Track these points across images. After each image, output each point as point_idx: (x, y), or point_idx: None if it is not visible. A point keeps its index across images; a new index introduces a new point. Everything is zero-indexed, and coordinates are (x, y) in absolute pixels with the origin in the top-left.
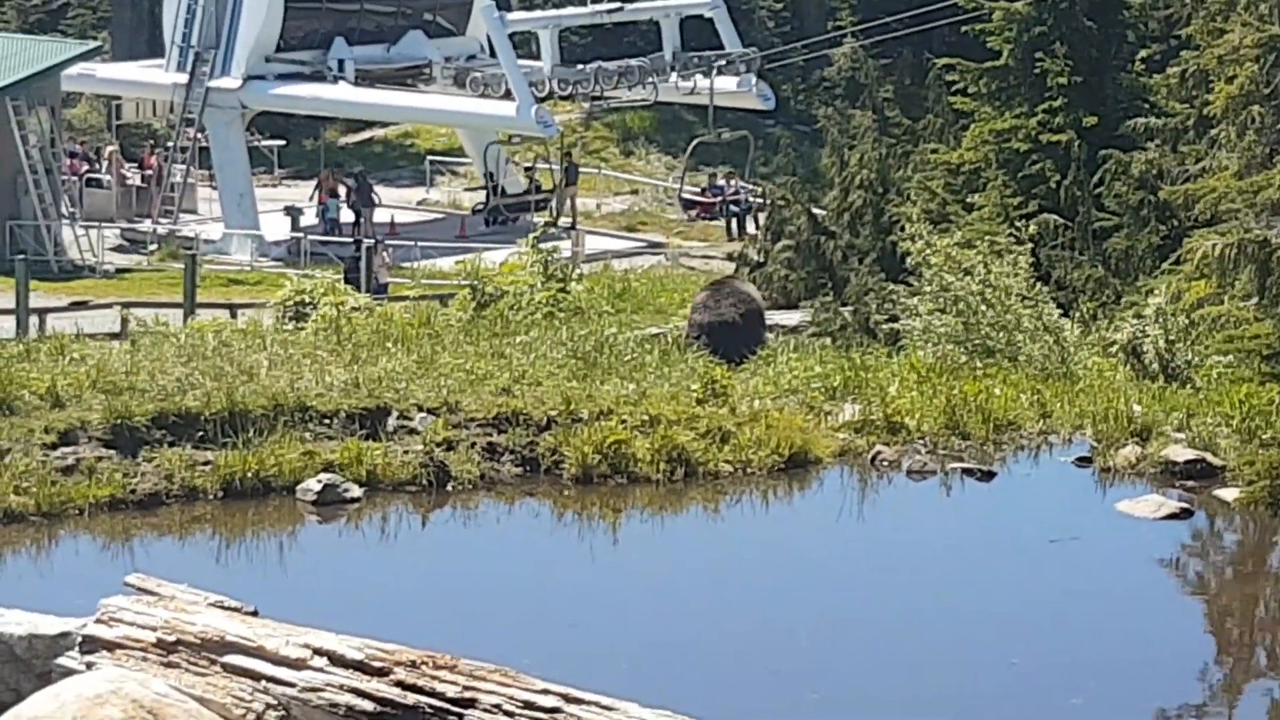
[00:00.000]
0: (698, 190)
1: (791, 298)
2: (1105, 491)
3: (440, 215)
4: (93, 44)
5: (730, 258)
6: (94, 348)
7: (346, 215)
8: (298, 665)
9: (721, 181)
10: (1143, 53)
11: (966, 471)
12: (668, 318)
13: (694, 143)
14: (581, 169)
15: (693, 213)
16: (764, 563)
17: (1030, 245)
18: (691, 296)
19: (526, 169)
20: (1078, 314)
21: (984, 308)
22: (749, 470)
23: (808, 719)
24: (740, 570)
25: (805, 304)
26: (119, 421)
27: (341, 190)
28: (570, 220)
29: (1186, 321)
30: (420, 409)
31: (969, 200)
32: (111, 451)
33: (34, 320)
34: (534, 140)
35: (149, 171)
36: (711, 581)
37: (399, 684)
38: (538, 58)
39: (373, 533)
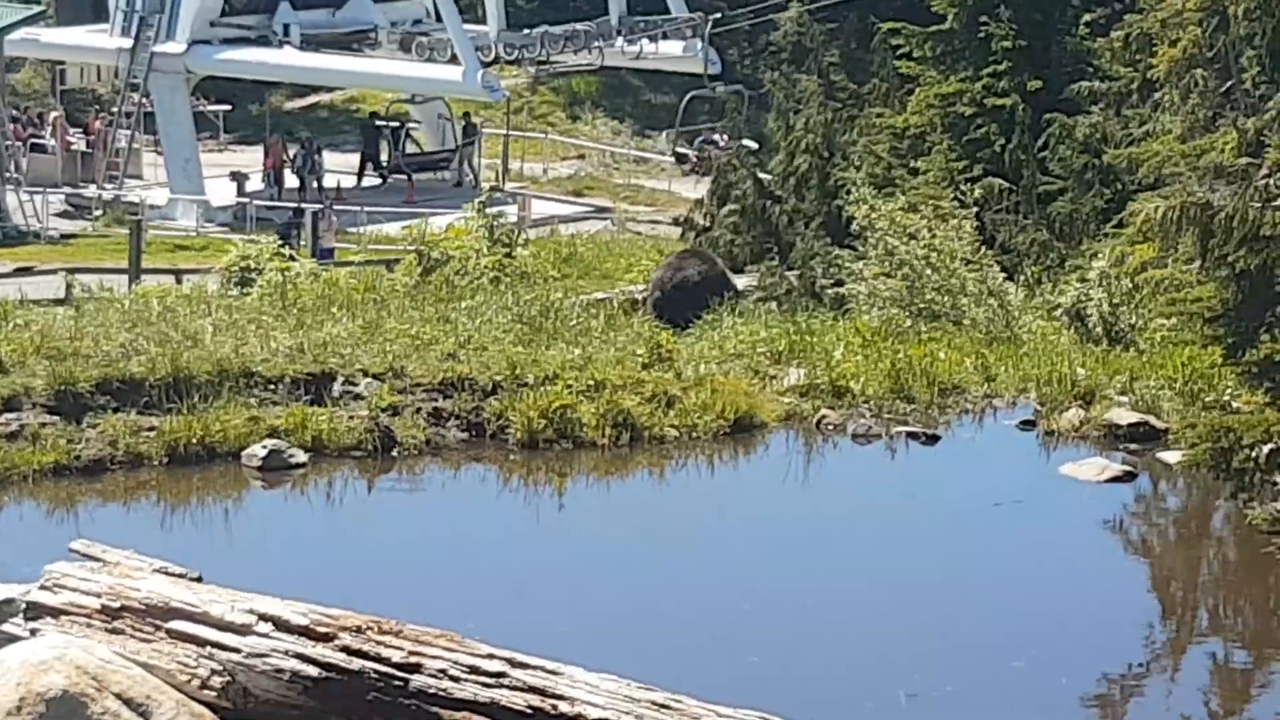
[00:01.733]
0: (689, 145)
1: (737, 262)
2: (1049, 455)
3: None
4: (36, 8)
5: (676, 222)
6: (38, 313)
7: (293, 181)
8: (242, 631)
9: (716, 136)
10: (1087, 16)
11: (911, 435)
12: (614, 283)
13: (687, 97)
14: (529, 133)
15: (687, 166)
16: (709, 528)
17: (975, 209)
18: (638, 262)
19: (388, 123)
20: (1022, 278)
21: (929, 272)
22: (694, 435)
23: (749, 684)
24: (685, 535)
25: (751, 269)
26: (63, 388)
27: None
28: (471, 180)
29: (1130, 285)
30: (365, 374)
31: (914, 165)
32: (56, 418)
33: None
34: (484, 103)
35: (94, 137)
36: (657, 547)
37: (344, 649)
38: (484, 23)
39: (318, 498)
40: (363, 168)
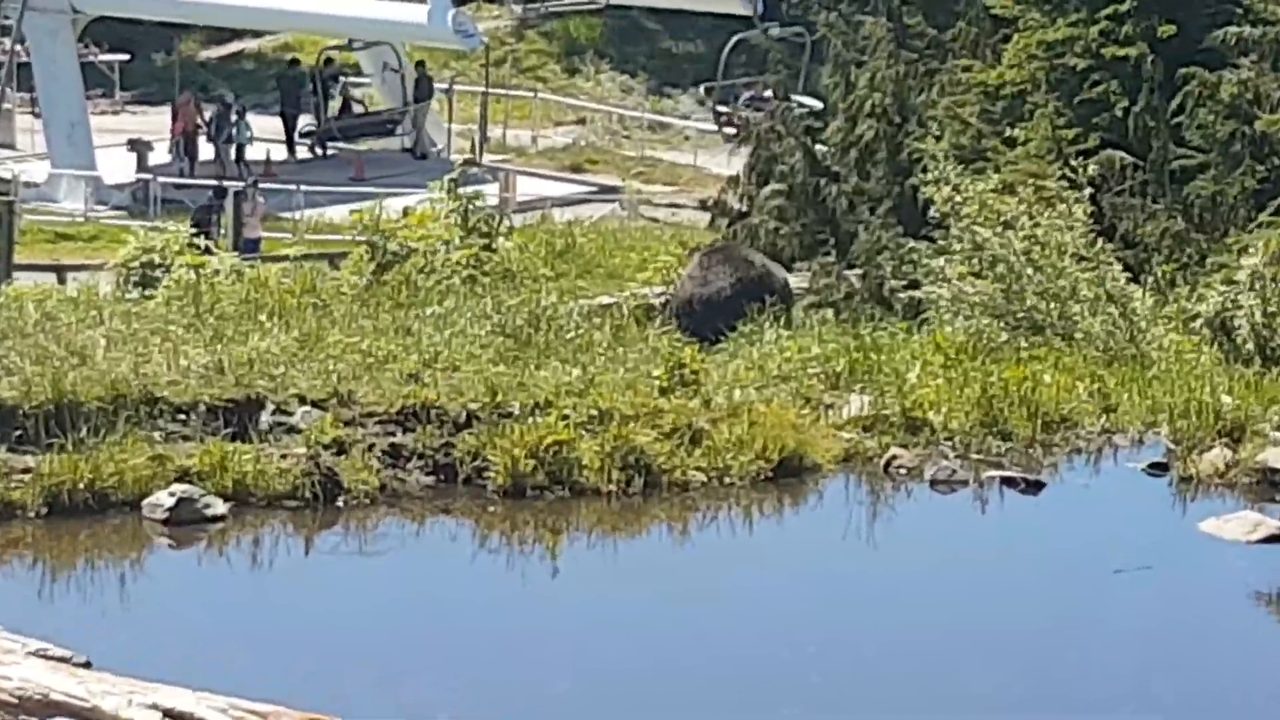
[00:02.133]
0: (727, 109)
1: (783, 258)
2: (1186, 507)
3: (330, 152)
4: None
5: (704, 206)
6: None
7: (209, 152)
8: None
9: (768, 92)
10: None
11: (1007, 482)
12: (623, 284)
13: (732, 40)
14: (514, 91)
15: (729, 131)
16: (746, 602)
17: (1090, 191)
18: (654, 257)
19: (315, 72)
20: (1151, 279)
21: (1030, 271)
22: (727, 480)
23: None
24: (715, 611)
25: (801, 266)
26: None
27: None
28: (424, 148)
29: None
30: (303, 401)
31: (1011, 133)
32: None
33: None
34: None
35: None
36: (677, 625)
37: None
38: None
39: (241, 561)
40: (290, 133)
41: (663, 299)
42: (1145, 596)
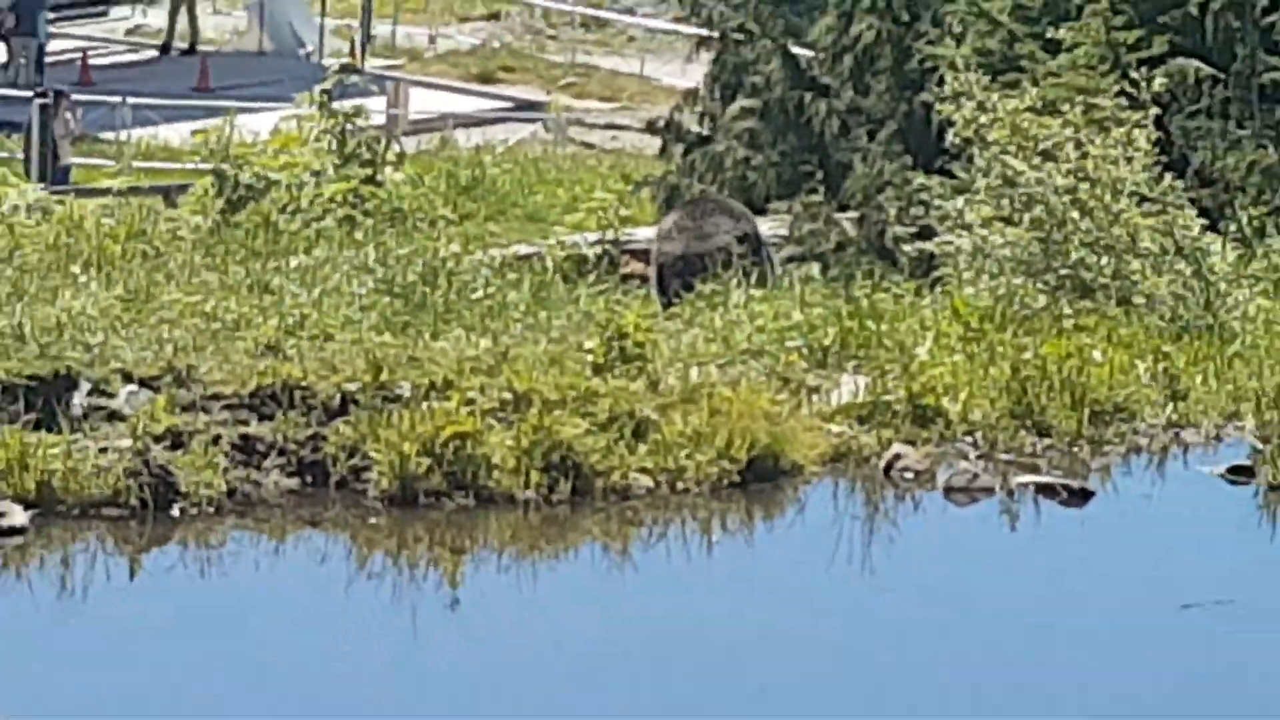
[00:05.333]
0: None
1: (755, 196)
2: (1276, 523)
3: (164, 54)
4: None
5: (652, 129)
6: None
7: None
8: None
9: None
10: None
11: (1044, 490)
12: (547, 228)
13: None
14: None
15: None
16: (702, 645)
17: (1155, 111)
18: (588, 194)
19: None
20: (1234, 227)
21: (1076, 215)
22: (680, 486)
23: None
24: (661, 656)
25: (779, 207)
26: None
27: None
28: (179, 45)
29: None
30: (128, 379)
31: (1053, 35)
32: None
33: None
34: None
35: None
36: (611, 673)
37: None
38: None
39: (46, 587)
40: None
41: (598, 243)
42: (1222, 639)
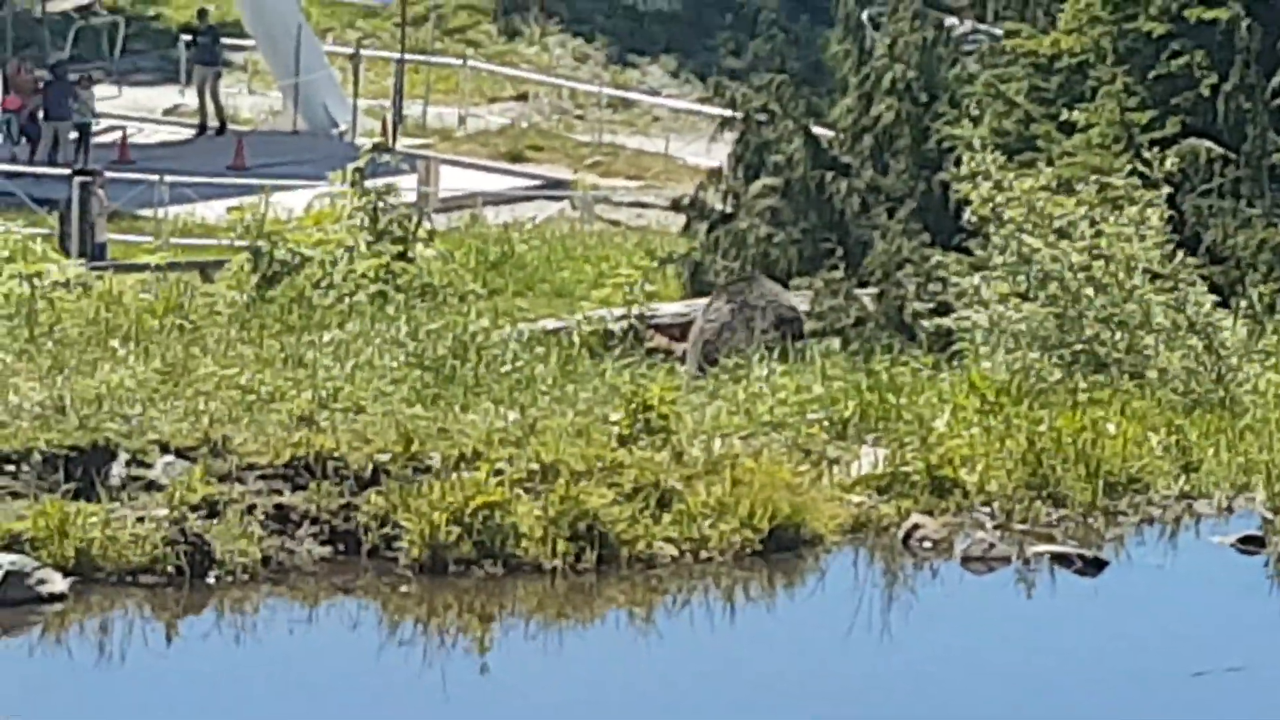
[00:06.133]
0: None
1: (776, 272)
2: None
3: (201, 133)
4: None
5: (677, 206)
6: None
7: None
8: None
9: None
10: None
11: (1060, 559)
12: (574, 304)
13: None
14: (438, 58)
15: None
16: (724, 711)
17: (1167, 190)
18: (614, 270)
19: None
20: (1244, 303)
21: (1090, 292)
22: (703, 555)
23: None
24: None
25: (800, 282)
26: None
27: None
28: (213, 125)
29: None
30: (165, 449)
31: (1068, 116)
32: None
33: None
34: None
35: None
36: None
37: None
38: None
39: (85, 652)
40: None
41: (624, 318)
42: (1234, 706)
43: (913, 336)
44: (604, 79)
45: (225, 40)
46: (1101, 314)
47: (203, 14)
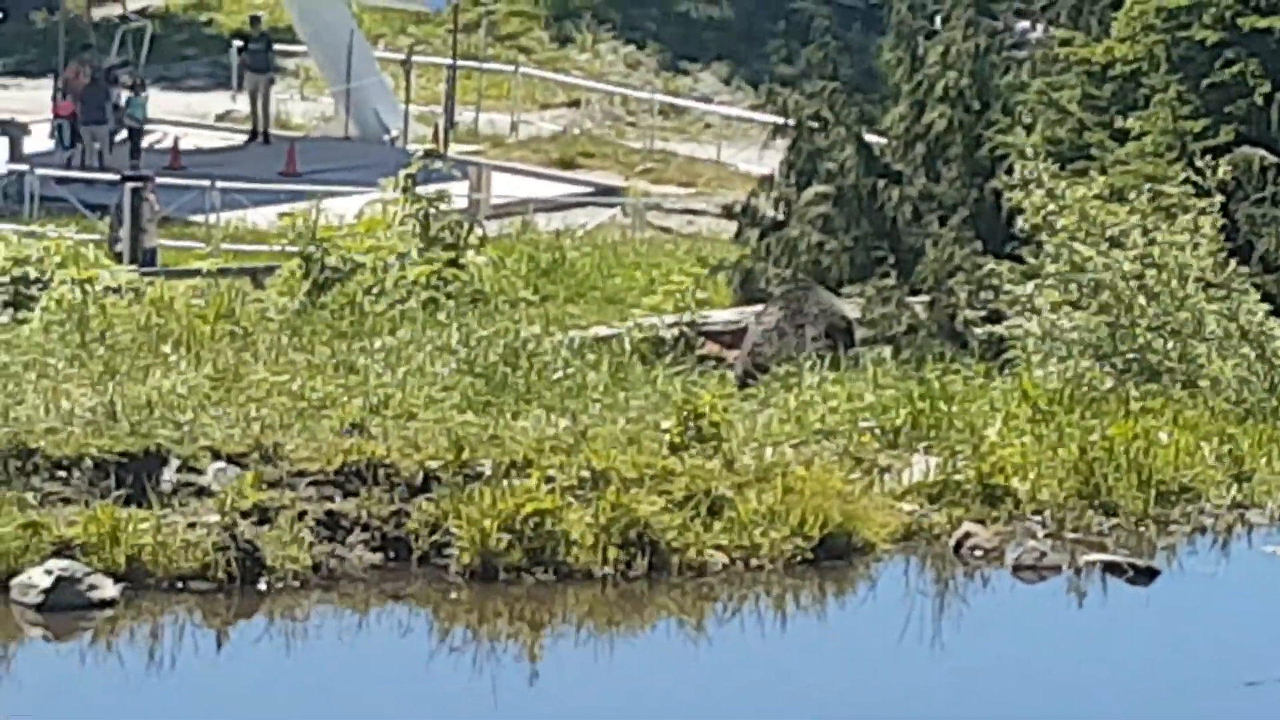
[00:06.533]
0: None
1: (828, 280)
2: None
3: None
4: None
5: (729, 213)
6: None
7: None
8: None
9: None
10: None
11: (1111, 568)
12: (625, 310)
13: None
14: (490, 64)
15: None
16: (773, 719)
17: (1220, 198)
18: (665, 277)
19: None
20: None
21: (1143, 300)
22: (754, 562)
23: None
24: None
25: (851, 290)
26: None
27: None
28: (260, 133)
29: None
30: (216, 456)
31: (1121, 124)
32: None
33: None
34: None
35: None
36: None
37: None
38: None
39: (135, 658)
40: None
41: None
42: None
43: (964, 344)
44: (656, 85)
45: (277, 46)
46: (1154, 322)
47: (255, 21)
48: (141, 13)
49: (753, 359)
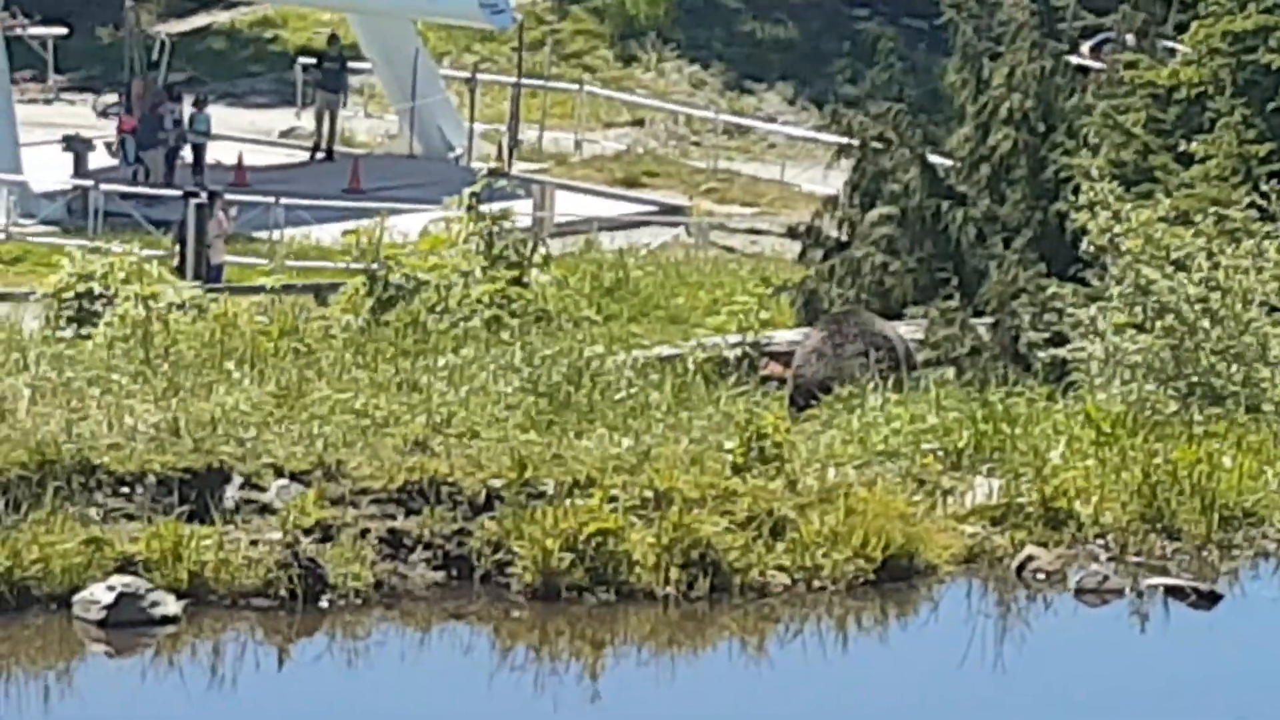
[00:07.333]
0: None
1: (891, 301)
2: None
3: (309, 154)
4: None
5: (793, 234)
6: None
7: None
8: None
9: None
10: None
11: (1174, 592)
12: (689, 330)
13: None
14: (555, 83)
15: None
16: None
17: None
18: (729, 297)
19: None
20: None
21: (1207, 324)
22: (816, 584)
23: None
24: None
25: (914, 311)
26: None
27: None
28: (325, 150)
29: None
30: (279, 473)
31: (1186, 148)
32: None
33: None
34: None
35: None
36: None
37: None
38: None
39: (197, 675)
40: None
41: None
42: None
43: (1028, 367)
44: (720, 105)
45: None
46: (1218, 346)
47: (333, 40)
48: (190, 32)
49: (795, 380)
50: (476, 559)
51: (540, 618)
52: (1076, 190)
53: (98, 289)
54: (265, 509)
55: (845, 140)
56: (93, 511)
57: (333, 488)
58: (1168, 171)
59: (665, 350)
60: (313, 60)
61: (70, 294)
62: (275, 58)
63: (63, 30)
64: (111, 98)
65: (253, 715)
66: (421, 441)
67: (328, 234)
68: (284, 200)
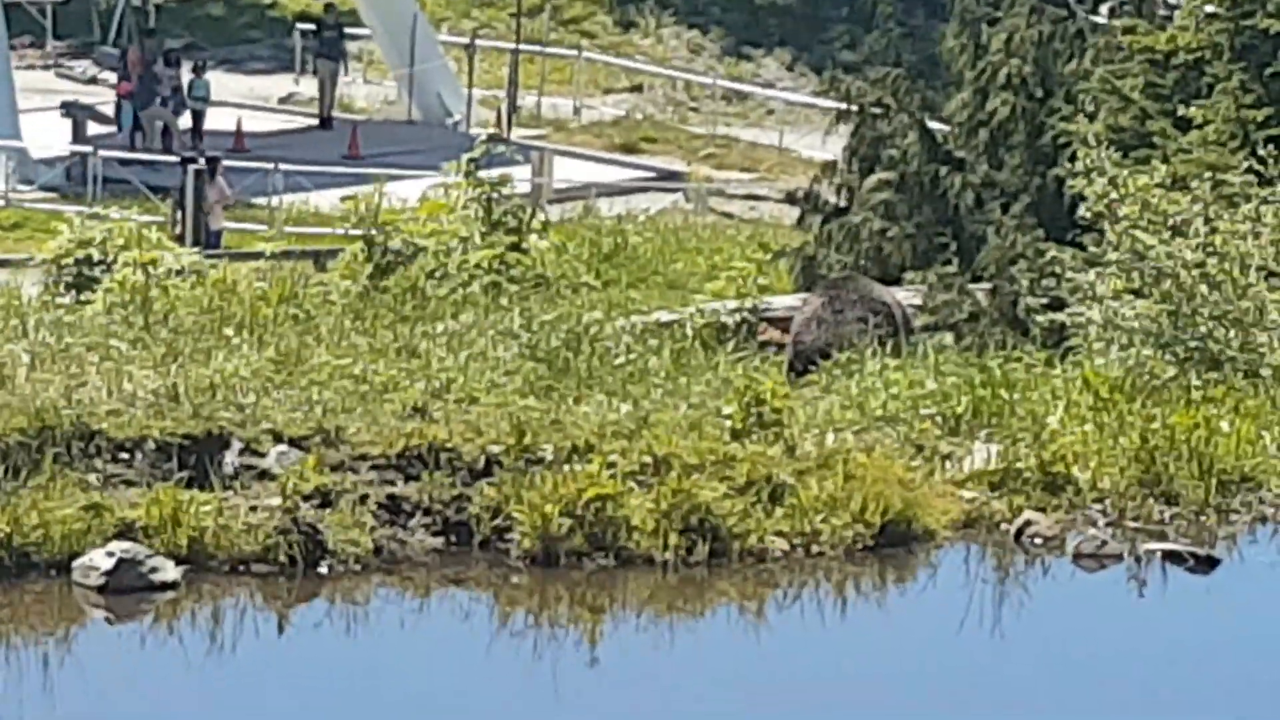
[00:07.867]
0: None
1: (890, 267)
2: None
3: (316, 121)
4: None
5: (791, 199)
6: None
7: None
8: None
9: None
10: None
11: (1171, 557)
12: (687, 296)
13: None
14: (553, 48)
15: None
16: (836, 706)
17: None
18: (727, 262)
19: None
20: None
21: (1205, 289)
22: (815, 549)
23: None
24: (794, 717)
25: (913, 277)
26: None
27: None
28: (325, 114)
29: None
30: (278, 439)
31: (1184, 113)
32: None
33: None
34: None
35: None
36: None
37: None
38: None
39: (196, 641)
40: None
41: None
42: None
43: (1026, 332)
44: (719, 71)
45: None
46: (1215, 311)
47: (330, 8)
48: None
49: (795, 346)
50: (475, 525)
51: (539, 583)
52: (1074, 156)
53: (97, 255)
54: (264, 475)
55: (843, 106)
56: (92, 477)
57: (332, 454)
58: (1166, 137)
59: (664, 316)
60: (311, 27)
61: (69, 260)
62: (273, 23)
63: None
64: (86, 62)
65: (252, 681)
66: (420, 407)
67: (326, 200)
68: (283, 166)
